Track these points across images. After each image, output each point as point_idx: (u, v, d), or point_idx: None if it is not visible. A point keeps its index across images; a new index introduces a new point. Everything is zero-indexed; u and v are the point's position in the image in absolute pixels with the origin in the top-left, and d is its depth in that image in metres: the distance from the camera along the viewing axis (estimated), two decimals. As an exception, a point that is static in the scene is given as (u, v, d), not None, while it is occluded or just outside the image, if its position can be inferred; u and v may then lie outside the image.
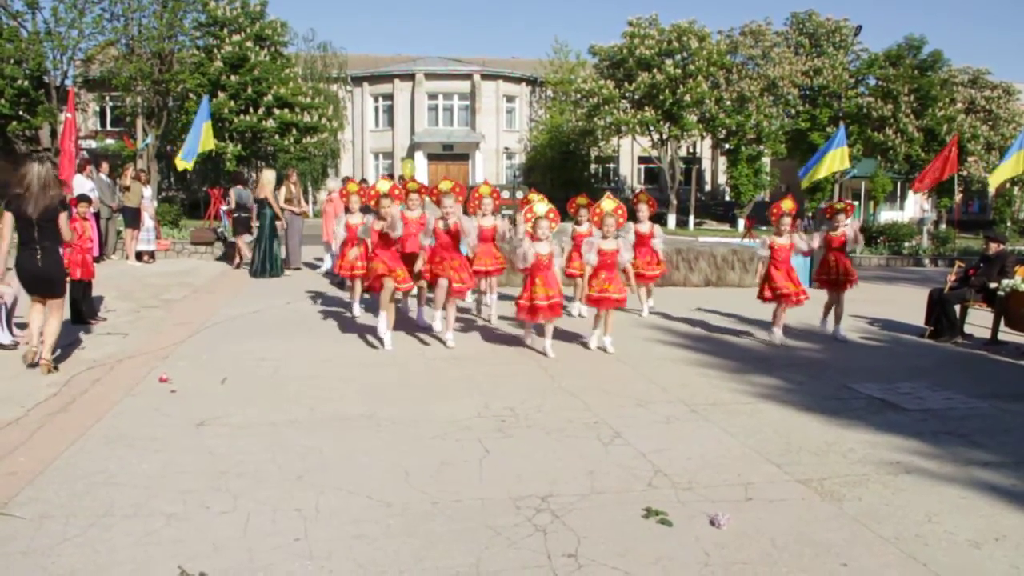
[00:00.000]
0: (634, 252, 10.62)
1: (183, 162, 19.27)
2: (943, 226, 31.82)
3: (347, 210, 11.28)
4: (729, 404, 7.09)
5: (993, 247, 10.67)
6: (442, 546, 4.15)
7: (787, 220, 10.02)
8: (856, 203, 45.76)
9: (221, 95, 30.40)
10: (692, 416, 6.73)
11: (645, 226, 11.72)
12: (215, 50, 31.34)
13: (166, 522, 4.33)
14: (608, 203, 9.87)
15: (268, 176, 15.64)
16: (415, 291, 10.29)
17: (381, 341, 8.96)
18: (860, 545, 4.32)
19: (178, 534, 4.19)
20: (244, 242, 16.33)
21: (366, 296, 10.80)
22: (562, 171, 43.47)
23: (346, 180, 15.03)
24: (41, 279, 7.61)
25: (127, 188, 16.59)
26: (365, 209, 10.84)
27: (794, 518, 4.67)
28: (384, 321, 8.86)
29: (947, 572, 4.04)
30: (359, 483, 4.97)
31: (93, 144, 36.54)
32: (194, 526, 4.29)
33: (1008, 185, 41.19)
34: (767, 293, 10.02)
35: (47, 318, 7.61)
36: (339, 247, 11.26)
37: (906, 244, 24.80)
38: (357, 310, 10.82)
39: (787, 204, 10.16)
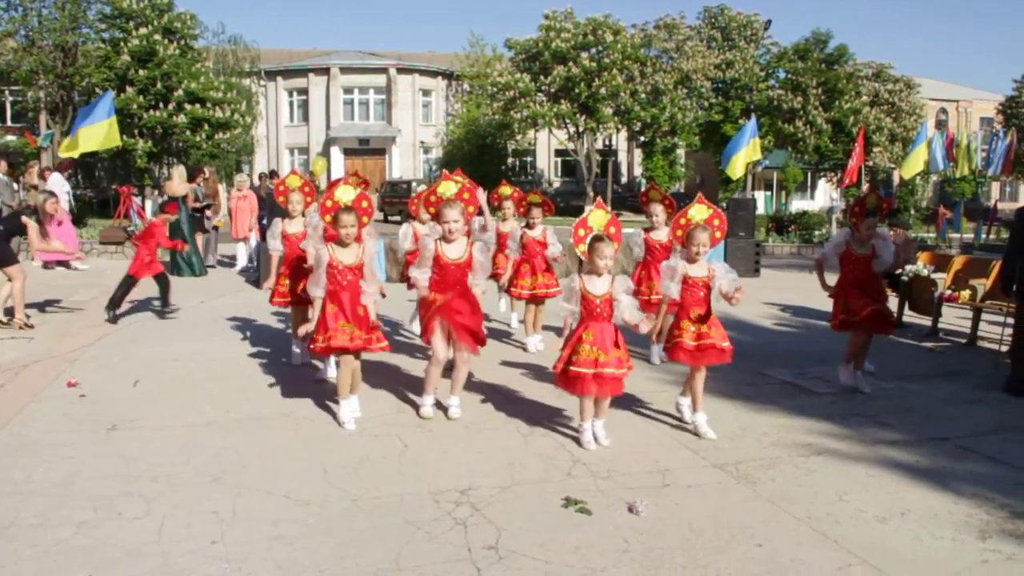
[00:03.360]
0: (644, 270, 8.31)
1: (69, 147, 17.96)
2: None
3: (286, 214, 8.03)
4: (646, 393, 7.16)
5: (898, 234, 11.03)
6: (362, 543, 4.12)
7: (871, 222, 7.45)
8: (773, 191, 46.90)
9: (129, 90, 29.52)
10: (610, 405, 6.78)
11: (663, 233, 8.18)
12: (121, 43, 30.39)
13: (75, 531, 4.20)
14: (701, 210, 6.31)
15: (182, 172, 15.32)
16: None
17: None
18: (775, 525, 4.44)
19: (88, 542, 4.07)
20: (201, 242, 15.91)
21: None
22: (479, 165, 43.38)
23: (272, 174, 14.80)
24: None
25: (35, 187, 16.06)
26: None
27: (711, 502, 4.76)
28: (348, 408, 6.16)
29: (857, 548, 4.17)
30: (277, 482, 4.90)
31: (-7, 141, 35.26)
32: (106, 533, 4.18)
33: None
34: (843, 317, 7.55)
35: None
36: (276, 267, 8.02)
37: (816, 232, 25.47)
38: (298, 357, 8.11)
39: (873, 200, 7.72)
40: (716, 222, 6.25)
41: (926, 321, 10.43)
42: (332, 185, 6.53)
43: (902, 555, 4.12)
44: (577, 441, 5.78)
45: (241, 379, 7.46)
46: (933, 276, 10.32)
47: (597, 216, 6.00)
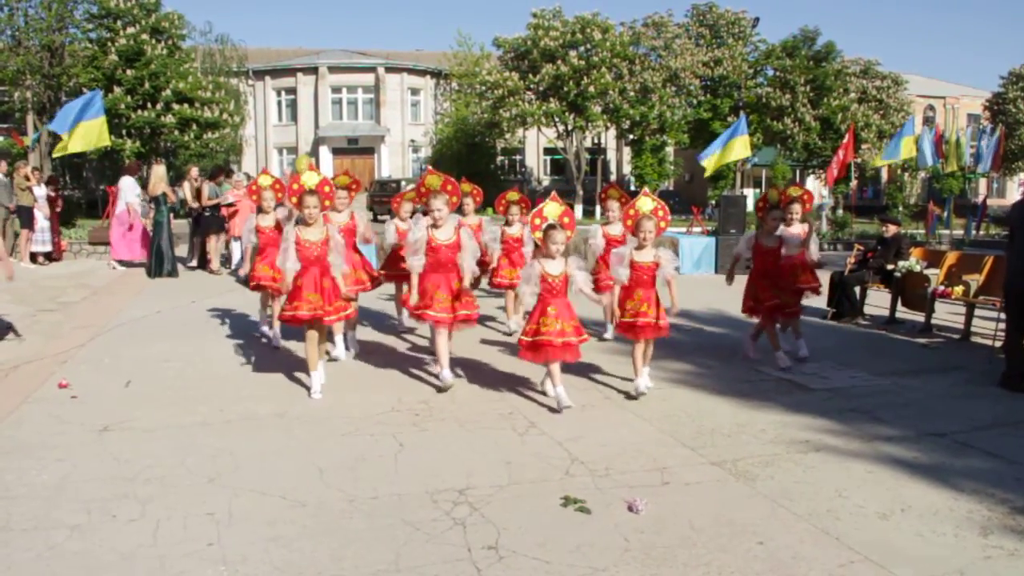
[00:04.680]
0: (601, 261, 8.86)
1: (60, 148, 17.21)
2: (840, 211, 32.86)
3: (259, 209, 8.76)
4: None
5: (891, 230, 11.04)
6: (360, 544, 4.08)
7: (775, 215, 8.35)
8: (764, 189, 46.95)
9: (117, 90, 29.30)
10: (606, 403, 6.78)
11: (617, 228, 8.81)
12: (109, 43, 30.16)
13: (69, 534, 4.14)
14: (646, 202, 7.29)
15: (160, 171, 15.19)
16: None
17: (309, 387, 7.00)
18: (775, 523, 4.41)
19: (83, 546, 4.01)
20: (215, 243, 15.65)
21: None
22: (468, 164, 43.30)
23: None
24: None
25: (29, 188, 15.95)
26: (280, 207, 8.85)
27: (710, 500, 4.73)
28: (318, 378, 6.90)
29: (858, 545, 4.14)
30: (272, 484, 4.85)
31: (-21, 142, 34.96)
32: (100, 537, 4.12)
33: (899, 171, 42.76)
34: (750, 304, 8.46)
35: None
36: (251, 255, 8.98)
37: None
38: (273, 336, 8.78)
39: (773, 195, 8.60)
40: (660, 212, 7.19)
41: (919, 317, 10.43)
42: (296, 175, 7.41)
43: (904, 552, 4.10)
44: (574, 439, 5.77)
45: (233, 379, 7.40)
46: (926, 272, 10.32)
47: (551, 208, 6.81)
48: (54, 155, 18.85)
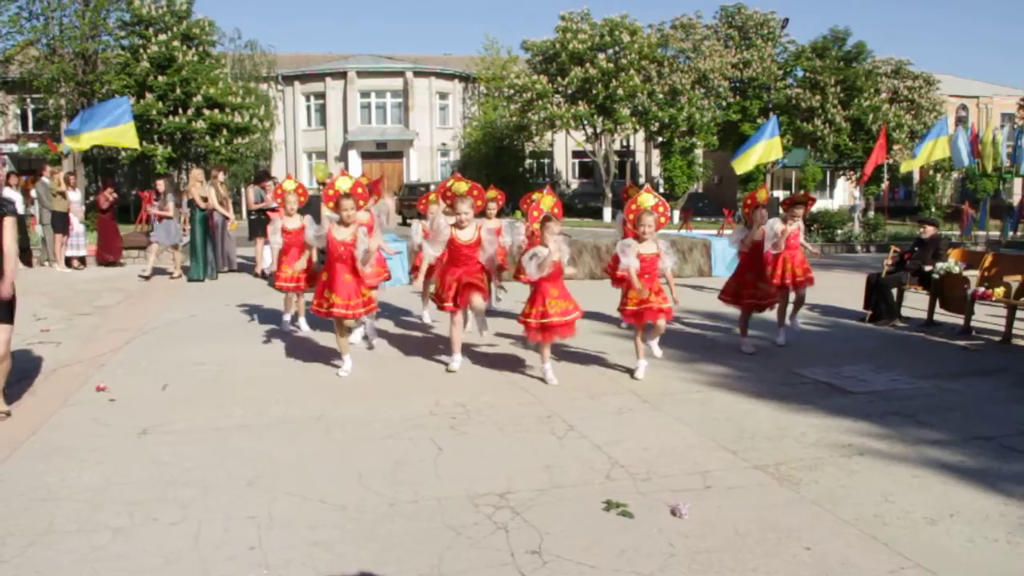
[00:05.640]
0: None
1: (71, 142, 17.01)
2: (872, 213, 32.53)
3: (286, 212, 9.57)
4: (680, 393, 7.10)
5: (929, 231, 10.87)
6: (402, 548, 4.05)
7: (762, 212, 8.81)
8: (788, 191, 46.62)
9: (149, 96, 29.61)
10: (644, 406, 6.71)
11: None
12: (141, 50, 30.48)
13: (112, 537, 4.14)
14: (647, 198, 7.87)
15: (198, 175, 15.20)
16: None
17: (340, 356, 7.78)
18: (822, 528, 4.33)
19: (126, 549, 4.02)
20: (260, 246, 15.57)
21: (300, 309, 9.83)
22: (497, 167, 43.32)
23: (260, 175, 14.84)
24: None
25: (62, 193, 16.12)
26: (303, 210, 9.50)
27: (754, 504, 4.66)
28: (348, 360, 7.70)
29: (908, 551, 4.06)
30: (312, 487, 4.83)
31: (15, 148, 35.45)
32: (142, 539, 4.12)
33: (931, 172, 42.26)
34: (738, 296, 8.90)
35: None
36: (277, 256, 9.75)
37: (838, 231, 25.31)
38: (304, 325, 9.75)
39: (762, 195, 9.09)
40: (660, 208, 7.80)
41: (958, 319, 10.27)
42: (330, 183, 7.88)
43: (956, 558, 4.01)
44: (612, 443, 5.73)
45: (270, 382, 7.41)
46: (965, 273, 10.16)
47: (547, 200, 7.96)
48: (70, 147, 18.67)
